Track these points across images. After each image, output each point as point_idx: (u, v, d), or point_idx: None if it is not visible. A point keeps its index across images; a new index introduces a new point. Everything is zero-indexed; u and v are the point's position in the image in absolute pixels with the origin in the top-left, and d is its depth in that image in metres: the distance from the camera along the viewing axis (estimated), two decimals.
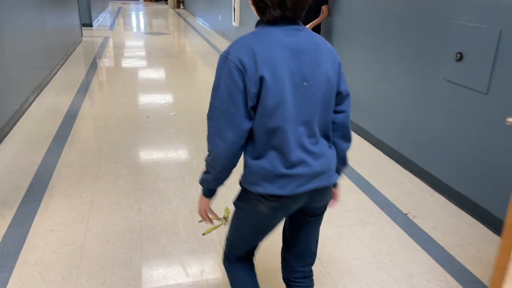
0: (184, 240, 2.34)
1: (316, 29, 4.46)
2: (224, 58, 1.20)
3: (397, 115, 3.41)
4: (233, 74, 1.17)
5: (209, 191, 1.41)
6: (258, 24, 1.26)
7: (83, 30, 9.72)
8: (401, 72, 3.30)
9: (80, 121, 4.21)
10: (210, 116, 1.25)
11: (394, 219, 2.61)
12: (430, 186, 3.03)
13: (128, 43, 9.42)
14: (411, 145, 3.25)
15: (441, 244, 2.37)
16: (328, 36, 4.47)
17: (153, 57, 7.82)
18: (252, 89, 1.17)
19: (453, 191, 2.82)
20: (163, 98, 5.11)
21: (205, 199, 1.42)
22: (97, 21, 12.73)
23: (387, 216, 2.64)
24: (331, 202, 1.49)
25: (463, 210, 2.73)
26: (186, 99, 5.14)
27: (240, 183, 1.35)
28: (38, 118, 4.22)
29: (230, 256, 1.56)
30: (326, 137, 1.33)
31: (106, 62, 7.21)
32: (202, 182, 1.37)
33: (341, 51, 4.22)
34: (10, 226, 2.42)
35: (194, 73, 6.66)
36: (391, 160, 3.49)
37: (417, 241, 2.39)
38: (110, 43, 9.27)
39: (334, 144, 1.38)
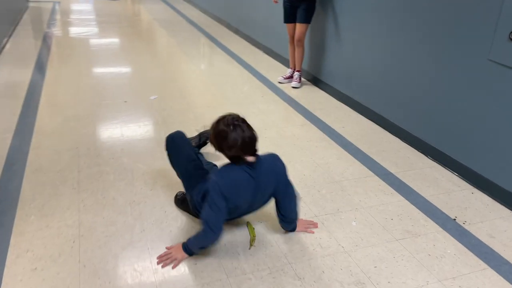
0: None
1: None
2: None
3: (421, 99, 3.03)
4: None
5: (192, 253, 1.95)
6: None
7: None
8: (433, 54, 2.89)
9: (45, 109, 3.52)
10: None
11: (444, 227, 2.26)
12: (468, 182, 2.71)
13: (85, 8, 8.41)
14: (440, 133, 2.89)
15: (507, 259, 2.06)
16: (341, 14, 3.97)
17: (117, 26, 6.97)
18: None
19: (498, 188, 2.51)
20: (138, 78, 4.45)
21: (185, 255, 1.94)
22: None
23: (435, 224, 2.29)
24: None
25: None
26: (164, 78, 4.51)
27: None
28: None
29: None
30: None
31: (61, 32, 6.32)
32: (193, 247, 1.93)
33: (355, 30, 3.75)
34: None
35: (168, 46, 5.95)
36: (411, 148, 3.13)
37: (479, 256, 2.06)
38: (62, 9, 8.23)
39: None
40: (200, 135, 2.83)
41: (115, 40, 6.09)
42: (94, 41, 5.94)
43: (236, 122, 1.79)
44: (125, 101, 3.75)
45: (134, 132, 3.19)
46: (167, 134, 2.30)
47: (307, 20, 4.08)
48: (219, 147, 1.85)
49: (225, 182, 1.84)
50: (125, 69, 4.74)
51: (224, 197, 1.81)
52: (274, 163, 2.00)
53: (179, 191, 2.36)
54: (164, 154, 2.29)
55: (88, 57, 5.11)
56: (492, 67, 2.46)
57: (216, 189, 1.81)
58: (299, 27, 4.12)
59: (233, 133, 1.77)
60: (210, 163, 2.39)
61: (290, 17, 4.19)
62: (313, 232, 2.17)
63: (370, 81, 3.56)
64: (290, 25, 4.25)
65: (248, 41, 6.20)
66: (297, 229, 2.16)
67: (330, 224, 2.24)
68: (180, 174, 2.22)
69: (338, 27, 3.90)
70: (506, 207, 2.47)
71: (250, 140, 1.81)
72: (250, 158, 1.86)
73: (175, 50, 5.68)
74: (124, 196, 2.39)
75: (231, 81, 4.49)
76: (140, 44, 5.89)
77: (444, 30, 2.76)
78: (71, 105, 3.60)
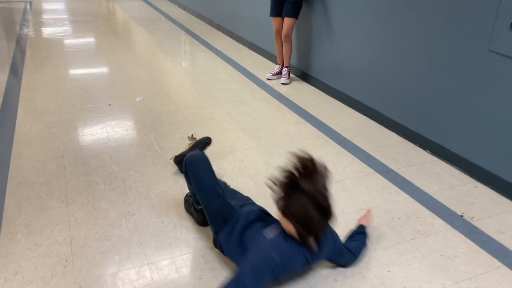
0: None
1: None
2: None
3: (418, 93, 2.96)
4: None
5: None
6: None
7: None
8: (430, 46, 2.82)
9: (24, 114, 3.32)
10: None
11: (453, 225, 2.20)
12: (470, 176, 2.66)
13: (58, 7, 8.09)
14: (439, 126, 2.84)
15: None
16: (331, 7, 3.87)
17: (93, 25, 6.72)
18: None
19: (502, 181, 2.46)
20: (120, 79, 4.26)
21: None
22: None
23: (443, 222, 2.22)
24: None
25: None
26: (148, 78, 4.33)
27: None
28: None
29: None
30: None
31: (35, 33, 6.04)
32: None
33: (345, 23, 3.66)
34: None
35: (148, 45, 5.76)
36: (409, 143, 3.07)
37: (492, 254, 2.00)
38: (34, 8, 7.89)
39: None
40: (196, 146, 2.63)
41: (92, 40, 5.85)
42: (70, 42, 5.70)
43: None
44: (109, 104, 3.57)
45: (122, 137, 3.03)
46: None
47: (295, 14, 3.97)
48: (296, 217, 1.56)
49: (281, 264, 1.58)
50: (105, 70, 4.55)
51: (273, 276, 1.58)
52: (334, 246, 1.80)
53: (188, 193, 2.22)
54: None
55: (66, 58, 4.88)
56: (493, 58, 2.40)
57: (269, 265, 1.55)
58: (286, 21, 4.01)
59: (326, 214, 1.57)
60: (237, 192, 2.17)
61: (277, 10, 4.07)
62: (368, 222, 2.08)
63: (363, 75, 3.49)
64: (277, 19, 4.13)
65: (232, 37, 6.05)
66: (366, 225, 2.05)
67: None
68: (204, 208, 1.88)
69: (328, 20, 3.81)
70: (511, 200, 2.43)
71: (327, 228, 1.65)
72: (314, 245, 1.63)
73: (156, 49, 5.49)
74: (117, 207, 2.24)
75: (217, 79, 4.35)
76: (119, 43, 5.68)
77: (442, 20, 2.69)
78: (52, 111, 3.41)
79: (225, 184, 2.26)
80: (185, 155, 2.10)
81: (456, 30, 2.60)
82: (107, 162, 2.67)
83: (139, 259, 1.89)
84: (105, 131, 3.09)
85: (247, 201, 2.05)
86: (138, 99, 3.70)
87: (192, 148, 2.62)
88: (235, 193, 2.16)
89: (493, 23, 2.36)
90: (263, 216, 1.85)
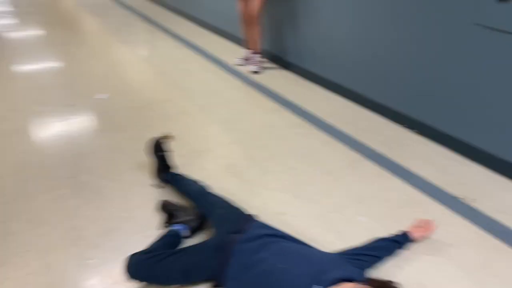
0: None
1: None
2: None
3: (400, 71, 2.86)
4: None
5: None
6: None
7: None
8: (412, 21, 2.70)
9: None
10: None
11: (457, 210, 2.12)
12: (461, 155, 2.60)
13: None
14: (425, 105, 2.76)
15: None
16: None
17: (38, 16, 6.20)
18: None
19: (494, 158, 2.42)
20: (79, 75, 3.92)
21: None
22: None
23: (447, 209, 2.13)
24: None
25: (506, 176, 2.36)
26: (109, 72, 4.01)
27: None
28: None
29: None
30: None
31: None
32: None
33: (321, 2, 3.48)
34: None
35: (102, 35, 5.36)
36: (395, 125, 2.98)
37: (499, 237, 1.94)
38: None
39: None
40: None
41: (40, 32, 5.39)
42: (15, 36, 5.21)
43: None
44: (72, 104, 3.25)
45: (91, 141, 2.75)
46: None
47: None
48: None
49: None
50: (60, 66, 4.17)
51: None
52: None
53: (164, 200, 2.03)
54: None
55: (13, 55, 4.45)
56: (479, 31, 2.31)
57: None
58: (251, 2, 3.78)
59: None
60: (227, 207, 1.89)
61: None
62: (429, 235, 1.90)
63: (342, 56, 3.35)
64: (241, 1, 3.89)
65: (194, 22, 5.75)
66: (414, 237, 1.83)
67: (336, 223, 2.03)
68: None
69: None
70: (505, 177, 2.38)
71: None
72: None
73: (112, 39, 5.12)
74: (94, 224, 2.01)
75: (184, 69, 4.09)
76: (71, 35, 5.25)
77: None
78: (6, 117, 3.06)
79: (207, 193, 2.02)
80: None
81: (441, 4, 2.49)
82: (76, 172, 2.41)
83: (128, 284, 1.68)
84: (70, 138, 2.80)
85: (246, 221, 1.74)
86: (102, 97, 3.40)
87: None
88: (227, 209, 1.86)
89: None
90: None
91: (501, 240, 1.93)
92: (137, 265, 1.61)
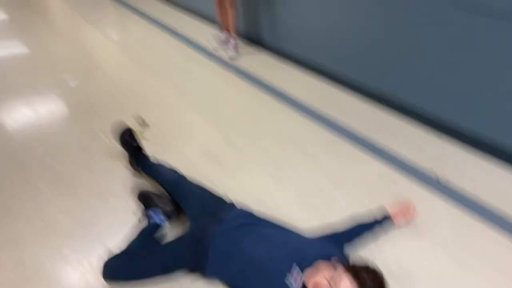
0: None
1: None
2: None
3: (377, 50, 2.86)
4: None
5: None
6: None
7: None
8: (392, 1, 2.69)
9: None
10: None
11: (432, 191, 2.15)
12: (440, 134, 2.62)
13: None
14: (404, 85, 2.77)
15: (501, 212, 2.01)
16: None
17: None
18: None
19: (471, 134, 2.46)
20: (45, 60, 3.75)
21: None
22: None
23: (423, 190, 2.15)
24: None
25: (480, 153, 2.41)
26: (78, 56, 3.86)
27: None
28: None
29: None
30: None
31: None
32: None
33: None
34: None
35: (69, 17, 5.14)
36: (375, 106, 2.99)
37: (476, 215, 1.99)
38: None
39: None
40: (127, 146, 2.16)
41: (2, 16, 5.11)
42: None
43: None
44: (39, 92, 3.11)
45: (61, 130, 2.65)
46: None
47: None
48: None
49: None
50: (24, 50, 3.98)
51: None
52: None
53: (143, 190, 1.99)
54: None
55: None
56: (460, 14, 2.31)
57: None
58: None
59: None
60: (205, 194, 1.87)
61: None
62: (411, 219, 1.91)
63: (320, 36, 3.31)
64: None
65: (166, 2, 5.58)
66: (396, 223, 1.85)
67: (317, 206, 2.03)
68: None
69: None
70: (482, 156, 2.42)
71: None
72: None
73: (79, 21, 4.92)
74: (70, 215, 1.94)
75: (157, 52, 3.97)
76: (34, 17, 5.01)
77: None
78: None
79: (183, 183, 1.95)
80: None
81: None
82: (48, 163, 2.31)
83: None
84: (39, 126, 2.68)
85: (220, 207, 1.75)
86: (72, 84, 3.27)
87: (127, 146, 2.17)
88: (205, 198, 1.83)
89: None
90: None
91: (478, 220, 1.97)
92: (115, 270, 1.58)
